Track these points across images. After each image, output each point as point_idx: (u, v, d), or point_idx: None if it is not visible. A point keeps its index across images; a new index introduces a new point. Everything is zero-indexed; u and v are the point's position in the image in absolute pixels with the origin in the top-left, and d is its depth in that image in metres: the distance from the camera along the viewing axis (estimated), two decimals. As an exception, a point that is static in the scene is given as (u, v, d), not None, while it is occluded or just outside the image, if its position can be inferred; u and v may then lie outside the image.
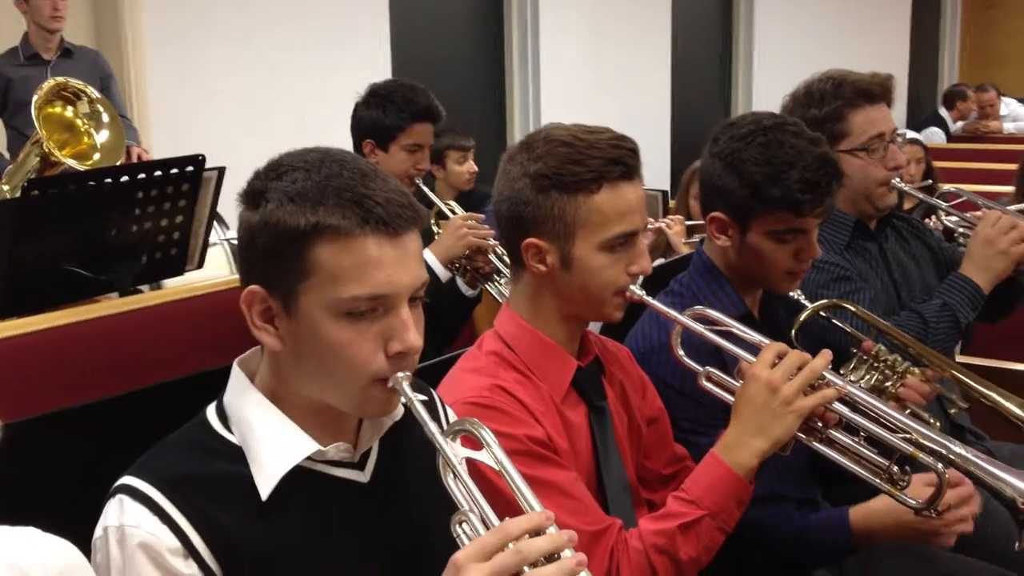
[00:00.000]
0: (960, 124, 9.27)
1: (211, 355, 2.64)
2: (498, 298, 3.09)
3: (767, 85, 9.43)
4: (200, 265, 3.29)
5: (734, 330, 1.82)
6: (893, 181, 2.49)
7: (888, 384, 2.09)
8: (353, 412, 1.38)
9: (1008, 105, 9.19)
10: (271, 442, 1.33)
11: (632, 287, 1.78)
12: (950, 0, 13.36)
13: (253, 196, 1.32)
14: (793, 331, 2.18)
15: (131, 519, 1.25)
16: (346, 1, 5.90)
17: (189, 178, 3.02)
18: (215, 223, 3.52)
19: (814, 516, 2.02)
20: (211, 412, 1.39)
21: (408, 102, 3.09)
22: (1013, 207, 2.82)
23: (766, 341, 1.77)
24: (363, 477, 1.40)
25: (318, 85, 5.69)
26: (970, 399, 2.24)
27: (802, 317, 2.20)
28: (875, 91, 2.47)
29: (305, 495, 1.33)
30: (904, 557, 2.11)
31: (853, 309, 2.24)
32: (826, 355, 1.72)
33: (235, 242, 4.37)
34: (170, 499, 1.26)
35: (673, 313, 1.82)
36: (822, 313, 2.25)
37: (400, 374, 1.32)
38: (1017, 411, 2.11)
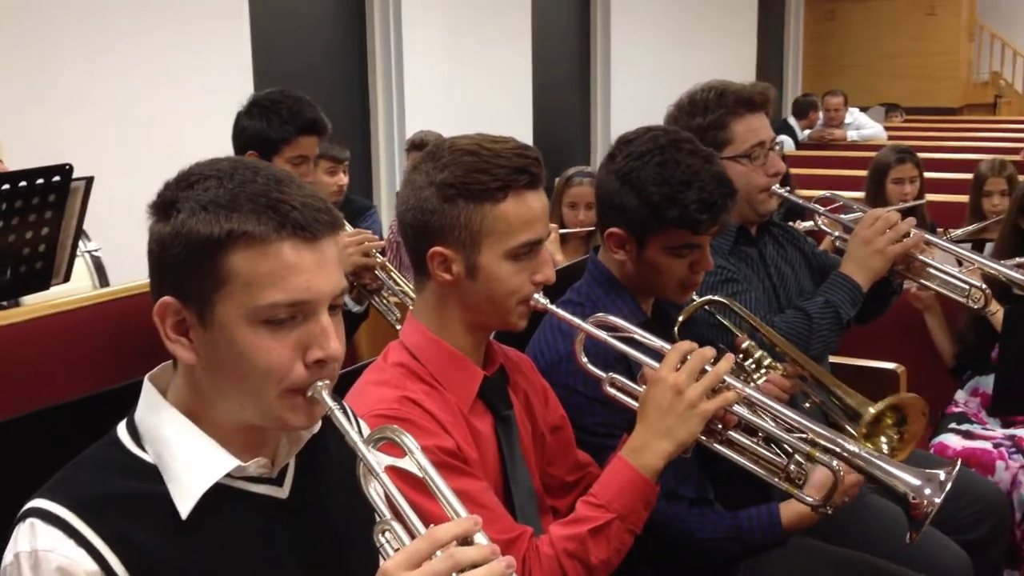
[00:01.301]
0: (807, 132, 9.64)
1: (92, 373, 2.55)
2: (384, 314, 3.07)
3: (624, 93, 9.66)
4: (67, 279, 3.16)
5: (636, 336, 1.85)
6: (773, 187, 2.57)
7: (754, 377, 2.17)
8: (273, 425, 1.34)
9: (852, 114, 9.58)
10: (188, 459, 1.29)
11: (536, 296, 1.79)
12: (793, 13, 13.95)
13: (163, 207, 1.28)
14: (676, 327, 2.23)
15: (45, 543, 1.20)
16: (206, 8, 5.77)
17: (55, 188, 2.89)
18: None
19: (743, 514, 2.06)
20: (122, 430, 1.33)
21: (294, 114, 3.03)
22: (893, 207, 2.95)
23: (668, 346, 1.81)
24: (282, 493, 1.37)
25: (179, 93, 5.55)
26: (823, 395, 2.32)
27: (685, 312, 2.25)
28: (756, 100, 2.56)
29: (224, 513, 1.30)
30: (793, 551, 2.18)
31: (729, 304, 2.31)
32: (729, 358, 1.77)
33: (96, 254, 4.22)
34: (85, 520, 1.21)
35: (577, 321, 1.84)
36: (706, 308, 2.31)
37: (320, 383, 1.29)
38: (855, 406, 2.20)
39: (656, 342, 1.83)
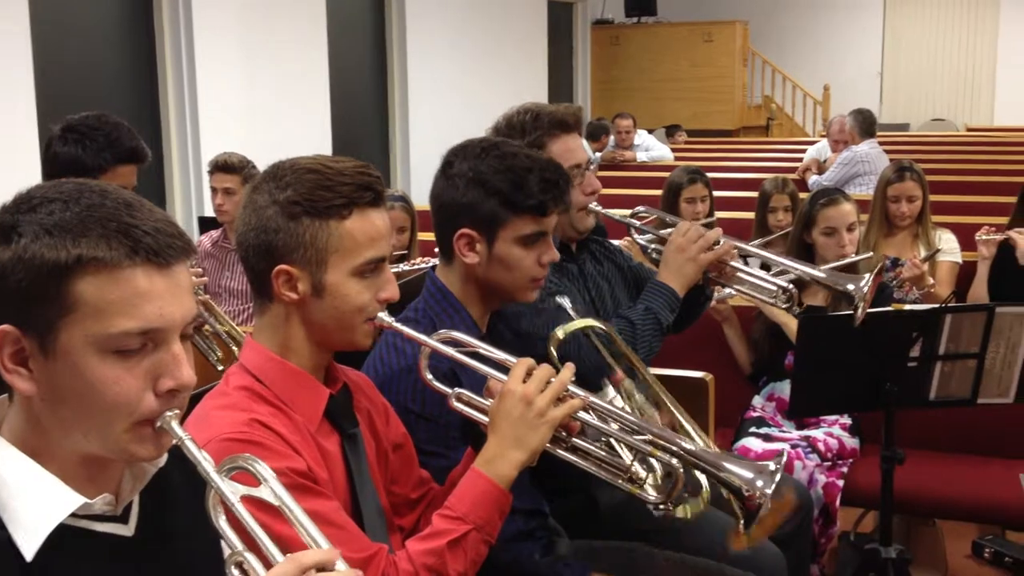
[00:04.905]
0: (599, 154, 9.97)
1: None
2: (206, 354, 3.01)
3: (422, 117, 9.75)
4: None
5: (480, 350, 1.88)
6: (591, 205, 2.67)
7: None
8: (120, 457, 1.28)
9: (640, 136, 9.98)
10: (30, 498, 1.22)
11: (381, 314, 1.80)
12: (580, 38, 14.41)
13: (2, 231, 1.21)
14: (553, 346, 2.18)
15: None
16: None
17: None
18: None
19: None
20: None
21: (112, 142, 2.88)
22: (701, 221, 3.09)
23: (512, 359, 1.85)
24: (127, 530, 1.32)
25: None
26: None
27: (564, 332, 2.20)
28: (570, 121, 2.63)
29: (68, 554, 1.23)
30: (630, 556, 2.26)
31: (605, 330, 2.35)
32: (570, 367, 1.83)
33: None
34: None
35: (423, 337, 1.85)
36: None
37: (169, 413, 1.25)
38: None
39: (500, 355, 1.87)
